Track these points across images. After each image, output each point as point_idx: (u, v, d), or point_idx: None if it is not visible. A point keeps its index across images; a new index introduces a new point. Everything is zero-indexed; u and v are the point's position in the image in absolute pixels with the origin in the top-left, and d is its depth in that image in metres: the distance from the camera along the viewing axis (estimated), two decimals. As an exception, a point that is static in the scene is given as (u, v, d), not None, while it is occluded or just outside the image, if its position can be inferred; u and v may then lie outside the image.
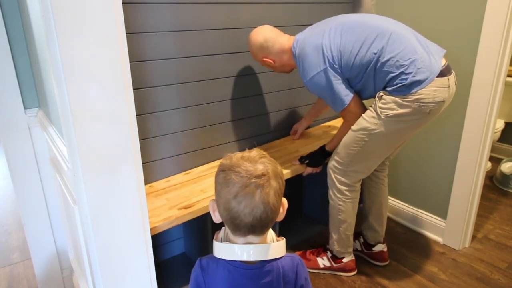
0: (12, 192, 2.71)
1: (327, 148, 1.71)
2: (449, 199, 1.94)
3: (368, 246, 1.86)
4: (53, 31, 0.83)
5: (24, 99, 1.56)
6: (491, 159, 2.90)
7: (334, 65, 1.48)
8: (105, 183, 0.97)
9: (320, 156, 1.74)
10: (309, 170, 1.76)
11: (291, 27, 1.93)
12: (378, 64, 1.43)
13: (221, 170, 0.79)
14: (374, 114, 1.48)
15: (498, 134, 2.69)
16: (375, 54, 1.42)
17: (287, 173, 1.72)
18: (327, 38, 1.49)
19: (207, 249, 1.62)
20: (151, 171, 1.66)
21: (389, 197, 2.24)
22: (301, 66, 1.55)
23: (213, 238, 0.87)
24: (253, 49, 1.65)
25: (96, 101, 0.91)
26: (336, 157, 1.62)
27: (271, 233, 0.87)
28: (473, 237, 2.04)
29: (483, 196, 2.41)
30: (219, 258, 0.81)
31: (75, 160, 0.94)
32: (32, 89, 1.58)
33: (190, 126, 1.72)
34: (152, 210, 1.45)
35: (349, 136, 1.57)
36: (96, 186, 0.96)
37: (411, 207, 2.14)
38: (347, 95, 1.51)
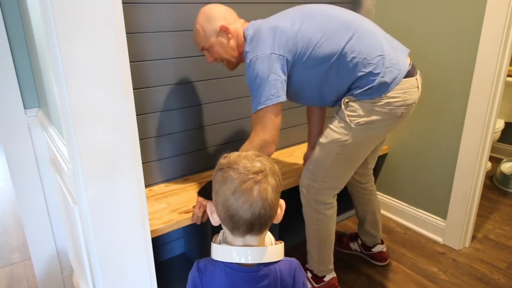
0: (12, 192, 2.71)
1: None
2: (449, 199, 1.94)
3: (367, 247, 1.85)
4: (53, 31, 0.83)
5: (24, 99, 1.56)
6: (491, 159, 2.91)
7: (284, 55, 1.28)
8: (105, 183, 0.97)
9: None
10: (199, 204, 1.42)
11: (291, 27, 1.93)
12: (342, 60, 1.28)
13: (219, 168, 0.80)
14: (343, 124, 1.35)
15: (498, 134, 2.69)
16: (339, 47, 1.27)
17: (284, 184, 1.72)
18: (285, 23, 1.31)
19: (207, 249, 1.62)
20: (151, 172, 1.66)
21: (389, 197, 2.25)
22: (249, 47, 1.33)
23: (213, 238, 0.87)
24: (204, 23, 1.38)
25: (96, 101, 0.91)
26: (308, 175, 1.48)
27: (269, 236, 0.87)
28: (473, 237, 2.04)
29: (483, 196, 2.41)
30: (217, 261, 0.81)
31: (75, 160, 0.94)
32: (32, 89, 1.58)
33: (190, 126, 1.72)
34: (152, 213, 1.45)
35: (320, 151, 1.42)
36: (96, 186, 0.96)
37: (411, 207, 2.14)
38: (275, 96, 1.27)
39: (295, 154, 2.07)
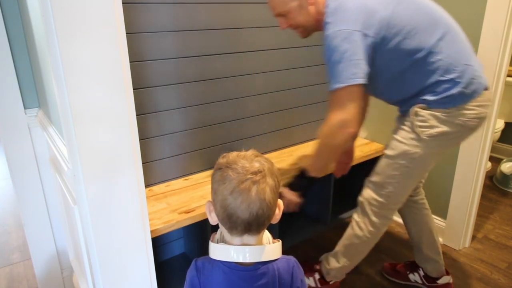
0: (12, 192, 2.71)
1: (306, 168, 1.41)
2: (449, 199, 1.94)
3: (431, 279, 1.65)
4: (53, 31, 0.83)
5: (24, 99, 1.56)
6: (491, 159, 2.90)
7: (371, 35, 1.18)
8: (105, 183, 0.97)
9: (299, 179, 1.43)
10: (286, 196, 1.41)
11: (291, 27, 1.93)
12: (426, 59, 1.18)
13: (218, 168, 0.80)
14: (413, 135, 1.26)
15: (498, 134, 2.69)
16: (427, 45, 1.17)
17: (284, 184, 1.72)
18: (375, 2, 1.19)
19: (207, 249, 1.62)
20: (151, 172, 1.66)
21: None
22: (331, 18, 1.21)
23: (211, 237, 0.87)
24: None
25: (96, 101, 0.91)
26: (372, 187, 1.38)
27: (267, 235, 0.87)
28: (473, 237, 2.04)
29: (483, 196, 2.41)
30: (215, 259, 0.81)
31: (75, 160, 0.94)
32: (32, 89, 1.58)
33: (190, 126, 1.72)
34: (152, 213, 1.45)
35: (387, 164, 1.33)
36: (96, 186, 0.96)
37: (411, 207, 2.14)
38: (356, 76, 1.16)
39: (295, 154, 2.07)
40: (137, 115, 1.01)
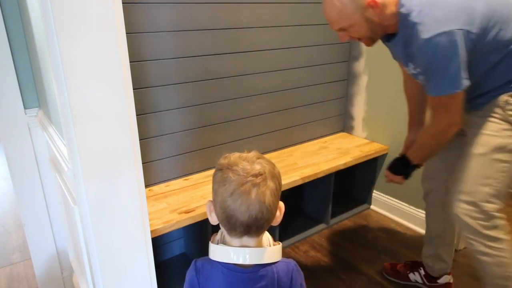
0: (12, 192, 2.71)
1: (409, 157, 1.37)
2: (449, 199, 1.94)
3: (431, 279, 1.61)
4: (53, 31, 0.83)
5: (24, 99, 1.56)
6: (491, 159, 2.89)
7: (471, 32, 1.07)
8: (105, 183, 0.97)
9: (399, 165, 1.41)
10: (390, 175, 1.44)
11: (291, 27, 1.93)
12: None
13: (219, 169, 0.80)
14: (506, 126, 1.16)
15: (498, 134, 2.68)
16: None
17: (284, 184, 1.72)
18: None
19: (207, 249, 1.62)
20: (151, 172, 1.66)
21: (389, 197, 2.24)
22: (421, 17, 1.09)
23: (211, 238, 0.87)
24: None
25: (96, 101, 0.91)
26: (465, 199, 1.21)
27: (267, 237, 0.87)
28: (473, 237, 2.04)
29: (483, 196, 2.41)
30: (214, 260, 0.81)
31: (75, 160, 0.94)
32: (32, 89, 1.58)
33: (190, 126, 1.72)
34: (152, 213, 1.45)
35: (478, 164, 1.19)
36: (96, 186, 0.96)
37: (411, 207, 2.14)
38: (462, 80, 1.09)
39: (295, 154, 2.07)
40: (137, 115, 1.01)
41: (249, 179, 0.75)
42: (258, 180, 0.75)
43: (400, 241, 2.03)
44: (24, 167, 1.60)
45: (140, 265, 1.11)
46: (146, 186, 1.66)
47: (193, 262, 0.85)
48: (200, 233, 1.66)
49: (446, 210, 1.35)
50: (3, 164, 3.34)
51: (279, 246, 0.84)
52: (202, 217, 1.47)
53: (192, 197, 1.58)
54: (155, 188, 1.67)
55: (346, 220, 2.23)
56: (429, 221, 1.58)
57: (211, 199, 0.82)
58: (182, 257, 1.86)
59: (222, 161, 0.80)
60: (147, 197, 1.56)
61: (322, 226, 2.12)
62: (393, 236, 2.07)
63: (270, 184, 0.77)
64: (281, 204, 0.82)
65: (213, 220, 0.82)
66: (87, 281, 1.13)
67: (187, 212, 1.46)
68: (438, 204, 1.49)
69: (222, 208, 0.77)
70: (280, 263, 0.83)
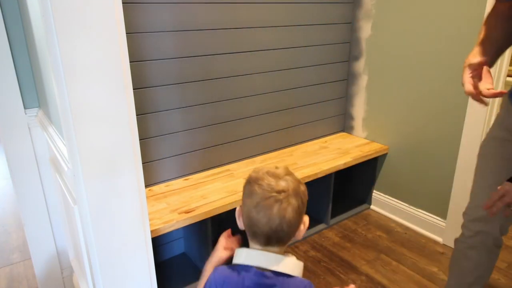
0: (12, 192, 2.71)
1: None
2: (449, 199, 1.94)
3: None
4: (53, 31, 0.83)
5: (24, 99, 1.56)
6: (491, 159, 2.89)
7: None
8: (105, 183, 0.97)
9: None
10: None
11: (291, 27, 1.93)
12: None
13: (248, 182, 0.85)
14: None
15: (498, 134, 2.69)
16: None
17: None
18: None
19: (207, 249, 1.62)
20: (151, 172, 1.66)
21: (389, 197, 2.24)
22: None
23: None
24: None
25: (96, 101, 0.91)
26: None
27: (294, 261, 0.87)
28: (473, 237, 2.04)
29: (483, 196, 2.41)
30: (236, 264, 0.85)
31: (75, 160, 0.94)
32: (32, 89, 1.58)
33: (190, 126, 1.72)
34: (152, 213, 1.45)
35: None
36: (96, 186, 0.96)
37: (411, 207, 2.14)
38: None
39: (295, 154, 2.07)
40: (137, 115, 1.01)
41: (272, 194, 0.80)
42: (281, 196, 0.80)
43: (400, 241, 2.03)
44: (24, 167, 1.60)
45: (140, 265, 1.11)
46: (146, 186, 1.66)
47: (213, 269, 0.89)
48: (200, 233, 1.66)
49: (492, 256, 1.17)
50: (3, 164, 3.34)
51: (300, 263, 0.87)
52: (202, 217, 1.47)
53: (192, 197, 1.58)
54: (155, 188, 1.67)
55: (346, 220, 2.23)
56: (465, 266, 1.23)
57: (241, 205, 0.88)
58: (182, 257, 1.86)
59: (252, 174, 0.86)
60: (147, 197, 1.56)
61: (322, 226, 2.12)
62: (393, 236, 2.07)
63: (293, 201, 0.81)
64: (306, 219, 0.87)
65: (241, 225, 0.88)
66: (87, 281, 1.13)
67: (187, 212, 1.46)
68: (485, 248, 1.19)
69: (247, 217, 0.83)
70: (295, 279, 0.84)
